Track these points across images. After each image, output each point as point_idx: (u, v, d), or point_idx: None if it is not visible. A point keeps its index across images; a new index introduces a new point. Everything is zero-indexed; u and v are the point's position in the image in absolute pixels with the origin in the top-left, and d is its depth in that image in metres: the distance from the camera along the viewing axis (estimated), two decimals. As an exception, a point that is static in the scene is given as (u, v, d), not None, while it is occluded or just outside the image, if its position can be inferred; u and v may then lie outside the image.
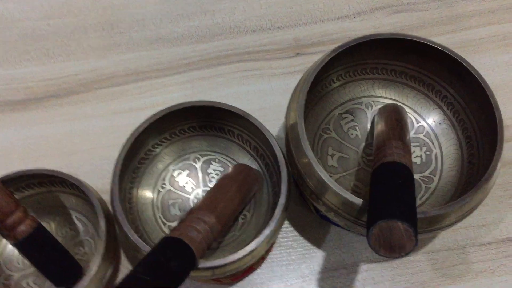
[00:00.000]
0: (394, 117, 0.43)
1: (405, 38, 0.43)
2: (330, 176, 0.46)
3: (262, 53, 0.58)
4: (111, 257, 0.41)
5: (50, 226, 0.46)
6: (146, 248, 0.38)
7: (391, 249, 0.32)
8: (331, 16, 0.59)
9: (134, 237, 0.38)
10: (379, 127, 0.43)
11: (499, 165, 0.39)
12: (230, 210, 0.40)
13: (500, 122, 0.40)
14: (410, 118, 0.49)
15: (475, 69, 0.42)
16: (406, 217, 0.31)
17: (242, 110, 0.43)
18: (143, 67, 0.57)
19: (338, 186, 0.38)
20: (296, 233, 0.49)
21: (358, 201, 0.38)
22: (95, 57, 0.57)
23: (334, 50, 0.43)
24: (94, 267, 0.39)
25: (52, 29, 0.59)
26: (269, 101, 0.55)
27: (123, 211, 0.39)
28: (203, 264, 0.37)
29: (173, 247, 0.34)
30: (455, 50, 0.56)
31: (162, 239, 0.35)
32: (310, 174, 0.40)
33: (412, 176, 0.36)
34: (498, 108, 0.40)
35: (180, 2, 0.60)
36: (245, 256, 0.38)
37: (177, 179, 0.47)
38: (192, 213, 0.38)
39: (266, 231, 0.39)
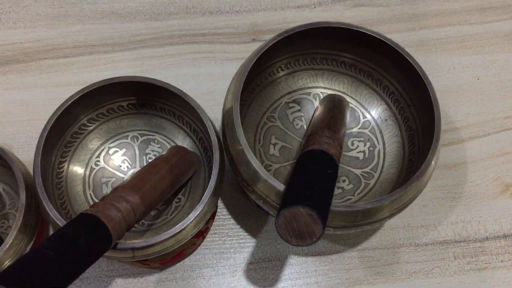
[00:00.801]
0: (331, 107, 0.42)
1: (353, 28, 0.42)
2: (271, 165, 0.46)
3: (217, 36, 0.56)
4: (31, 231, 0.40)
5: (-25, 196, 0.45)
6: (62, 223, 0.36)
7: (301, 237, 0.31)
8: (291, 4, 0.58)
9: (52, 211, 0.37)
10: (316, 115, 0.42)
11: (432, 163, 0.38)
12: (158, 191, 0.39)
13: (438, 121, 0.39)
14: (357, 112, 0.48)
15: (420, 67, 0.41)
16: (309, 202, 0.30)
17: (179, 90, 0.41)
18: (92, 41, 0.55)
19: (267, 173, 0.37)
20: (233, 221, 0.48)
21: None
22: (43, 26, 0.55)
23: (278, 35, 0.41)
24: (9, 240, 0.37)
25: (0, -6, 0.57)
26: (219, 85, 0.54)
27: (44, 186, 0.38)
28: (121, 244, 0.36)
29: (87, 224, 0.33)
30: (413, 49, 0.56)
31: (78, 215, 0.33)
32: (242, 161, 0.38)
33: (335, 165, 0.35)
34: (438, 107, 0.40)
35: (137, -23, 0.58)
36: (167, 239, 0.37)
37: (112, 157, 0.46)
38: (115, 191, 0.36)
39: (192, 216, 0.37)
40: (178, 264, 0.46)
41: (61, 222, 0.36)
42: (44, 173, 0.39)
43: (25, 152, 0.49)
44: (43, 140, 0.39)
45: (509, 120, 0.53)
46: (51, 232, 0.46)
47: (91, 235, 0.32)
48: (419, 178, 0.37)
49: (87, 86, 0.41)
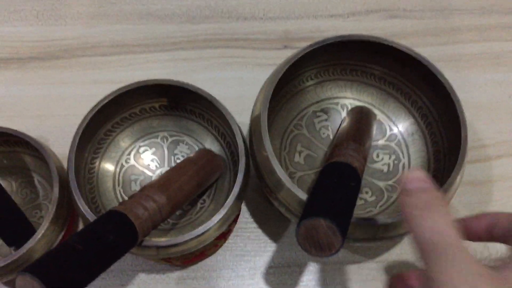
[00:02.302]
0: (358, 119, 0.43)
1: (383, 42, 0.42)
2: (295, 173, 0.46)
3: (249, 42, 0.57)
4: (62, 223, 0.42)
5: (12, 186, 0.47)
6: (92, 218, 0.38)
7: (320, 248, 0.31)
8: (325, 13, 0.59)
9: (83, 207, 0.38)
10: (342, 126, 0.43)
11: (457, 182, 0.39)
12: (184, 192, 0.40)
13: (465, 140, 0.39)
14: (384, 125, 0.48)
15: (449, 84, 0.41)
16: (330, 214, 0.31)
17: (209, 94, 0.42)
18: (129, 40, 0.57)
19: (291, 182, 0.38)
20: (255, 225, 0.49)
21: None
22: (83, 24, 0.57)
23: (310, 46, 0.42)
24: (41, 231, 0.39)
25: (44, -8, 0.59)
26: (249, 90, 0.54)
27: (77, 180, 0.39)
28: (146, 242, 0.37)
29: (115, 220, 0.34)
30: (445, 63, 0.56)
31: (106, 212, 0.35)
32: (267, 168, 0.39)
33: (358, 178, 0.35)
34: (465, 126, 0.40)
35: (175, -20, 0.60)
36: (190, 240, 0.38)
37: (142, 156, 0.47)
38: (143, 190, 0.38)
39: (215, 218, 0.39)
40: (199, 264, 0.47)
41: (90, 216, 0.38)
42: (77, 169, 0.41)
43: (60, 146, 0.51)
44: (78, 136, 0.40)
45: (539, 140, 0.52)
46: (80, 224, 0.48)
47: (118, 232, 0.34)
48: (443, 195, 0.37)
49: (121, 87, 0.42)
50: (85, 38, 0.57)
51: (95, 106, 0.42)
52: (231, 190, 0.44)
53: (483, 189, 0.50)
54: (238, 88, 0.55)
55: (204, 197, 0.46)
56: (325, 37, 0.57)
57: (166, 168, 0.47)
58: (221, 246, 0.48)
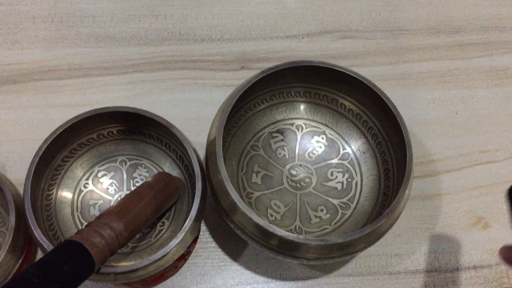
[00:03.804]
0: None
1: (332, 68, 0.44)
2: (252, 193, 0.48)
3: (207, 63, 0.58)
4: (19, 251, 0.42)
5: (-33, 214, 0.46)
6: (49, 247, 0.38)
7: None
8: (280, 34, 0.60)
9: (40, 236, 0.38)
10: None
11: (404, 198, 0.41)
12: (142, 218, 0.41)
13: (410, 161, 0.41)
14: (337, 144, 0.50)
15: (393, 104, 0.44)
16: None
17: (165, 120, 0.43)
18: (87, 64, 0.57)
19: (245, 206, 0.39)
20: (214, 244, 0.50)
21: (262, 222, 0.38)
22: (40, 48, 0.57)
23: (262, 72, 0.44)
24: (-2, 260, 0.39)
25: (0, 16, 0.59)
26: (208, 111, 0.56)
27: (33, 209, 0.39)
28: (105, 269, 0.38)
29: (71, 250, 0.35)
30: (395, 81, 0.59)
31: (62, 242, 0.35)
32: (222, 192, 0.40)
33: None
34: (410, 147, 0.42)
35: (133, 3, 0.61)
36: (148, 265, 0.39)
37: (101, 180, 0.48)
38: (100, 218, 0.38)
39: (173, 243, 0.39)
40: (160, 285, 0.48)
41: (47, 245, 0.38)
42: (34, 197, 0.41)
43: (17, 171, 0.51)
44: (34, 166, 0.41)
45: (483, 155, 0.55)
46: (38, 251, 0.48)
47: (74, 262, 0.34)
48: (390, 214, 0.39)
49: (78, 115, 0.43)
50: (42, 61, 0.57)
51: (51, 135, 0.42)
52: (190, 212, 0.46)
53: (432, 203, 0.53)
54: (197, 109, 0.56)
55: (163, 219, 0.47)
56: (280, 58, 0.59)
57: (125, 191, 0.48)
58: (181, 267, 0.49)
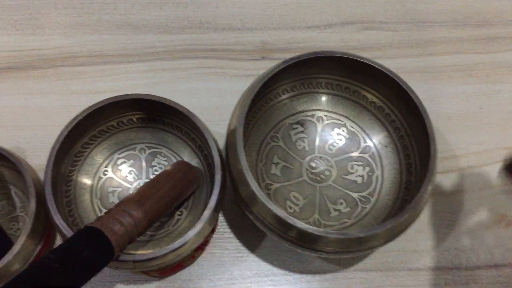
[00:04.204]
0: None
1: (356, 58, 0.44)
2: (271, 184, 0.47)
3: (227, 52, 0.58)
4: (39, 236, 0.42)
5: (-12, 198, 0.47)
6: (69, 233, 0.38)
7: None
8: (302, 25, 0.60)
9: (60, 221, 0.39)
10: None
11: (427, 193, 0.40)
12: (161, 206, 0.41)
13: (434, 155, 0.40)
14: (358, 137, 0.49)
15: (418, 99, 0.43)
16: None
17: (186, 109, 0.43)
18: (107, 51, 0.57)
19: (265, 196, 0.38)
20: (232, 235, 0.50)
21: (282, 214, 0.38)
22: (61, 34, 0.57)
23: (284, 62, 0.43)
24: (18, 245, 0.39)
25: (22, 1, 0.59)
26: (227, 100, 0.55)
27: (54, 194, 0.40)
28: (124, 257, 0.38)
29: (91, 237, 0.35)
30: (419, 75, 0.58)
31: (82, 228, 0.35)
32: (242, 182, 0.40)
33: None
34: (434, 141, 0.41)
35: (154, -10, 0.60)
36: (167, 253, 0.39)
37: (120, 167, 0.48)
38: (120, 205, 0.38)
39: (191, 232, 0.39)
40: (177, 274, 0.48)
41: (67, 231, 0.38)
42: (54, 183, 0.41)
43: (38, 156, 0.51)
44: (55, 151, 0.41)
45: (508, 151, 0.54)
46: (58, 236, 0.48)
47: (94, 249, 0.34)
48: (412, 209, 0.39)
49: (99, 102, 0.43)
50: (63, 48, 0.57)
51: (72, 120, 0.42)
52: (208, 202, 0.45)
53: (454, 199, 0.52)
54: (216, 99, 0.55)
55: (182, 208, 0.47)
56: (302, 48, 0.58)
57: (144, 180, 0.48)
58: (198, 256, 0.48)
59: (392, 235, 0.40)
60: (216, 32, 0.59)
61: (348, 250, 0.40)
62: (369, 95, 0.48)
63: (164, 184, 0.42)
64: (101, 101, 0.43)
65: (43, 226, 0.42)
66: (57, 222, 0.38)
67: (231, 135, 0.42)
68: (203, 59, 0.57)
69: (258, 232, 0.50)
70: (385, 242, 0.40)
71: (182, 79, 0.56)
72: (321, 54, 0.43)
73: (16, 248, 0.39)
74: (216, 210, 0.41)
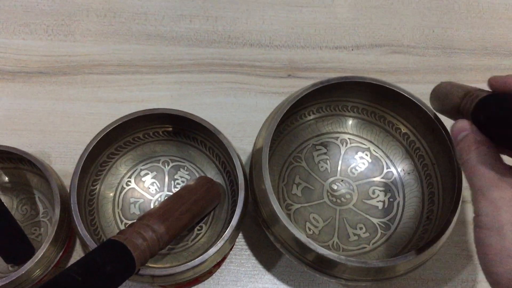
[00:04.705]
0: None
1: (384, 85, 0.43)
2: (292, 205, 0.47)
3: (254, 68, 0.58)
4: (61, 244, 0.42)
5: (12, 202, 0.47)
6: (91, 243, 0.39)
7: None
8: (330, 44, 0.60)
9: (83, 232, 0.39)
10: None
11: (449, 229, 0.39)
12: (183, 222, 0.41)
13: (460, 187, 0.40)
14: (381, 162, 0.49)
15: (444, 126, 0.42)
16: None
17: (212, 126, 0.43)
18: (136, 61, 0.58)
19: (288, 220, 0.38)
20: (249, 252, 0.50)
21: (304, 238, 0.38)
22: (92, 42, 0.58)
23: (313, 85, 0.43)
24: (41, 252, 0.40)
25: (55, 7, 0.60)
26: (251, 117, 0.55)
27: (78, 204, 0.40)
28: (144, 271, 0.38)
29: (114, 251, 0.35)
30: (445, 101, 0.57)
31: (106, 241, 0.36)
32: (264, 202, 0.40)
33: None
34: (461, 173, 0.41)
35: (185, 2, 0.61)
36: (186, 270, 0.39)
37: (143, 179, 0.48)
38: (143, 219, 0.39)
39: (212, 250, 0.39)
40: (192, 288, 0.48)
41: (89, 241, 0.39)
42: (79, 192, 0.41)
43: (62, 162, 0.52)
44: (83, 161, 0.41)
45: None
46: (77, 244, 0.48)
47: (117, 263, 0.35)
48: (436, 242, 0.38)
49: (128, 114, 0.43)
50: (93, 55, 0.57)
51: (101, 131, 0.42)
52: (229, 219, 0.45)
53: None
54: (241, 114, 0.56)
55: (201, 223, 0.47)
56: (328, 68, 0.59)
57: (165, 192, 0.48)
58: (215, 272, 0.49)
59: (413, 267, 0.40)
60: (244, 47, 0.59)
61: (367, 278, 0.39)
62: (395, 121, 0.48)
63: (187, 199, 0.42)
64: (131, 114, 0.43)
65: (65, 234, 0.43)
66: (81, 232, 0.39)
67: (256, 154, 0.42)
68: (230, 74, 0.58)
69: (275, 251, 0.50)
70: (405, 273, 0.40)
71: (208, 93, 0.57)
72: (351, 79, 0.43)
73: (38, 255, 0.40)
74: (237, 229, 0.41)
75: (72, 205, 0.40)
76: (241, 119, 0.56)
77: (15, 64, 0.56)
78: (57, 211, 0.41)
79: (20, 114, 0.54)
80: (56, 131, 0.54)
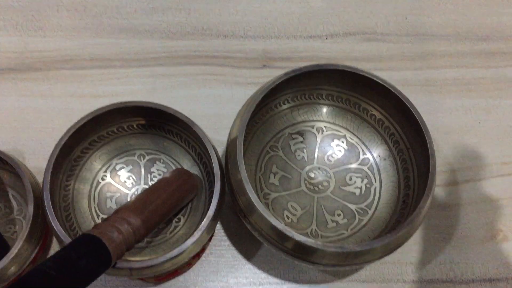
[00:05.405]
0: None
1: (357, 72, 0.44)
2: (269, 194, 0.47)
3: (229, 60, 0.58)
4: (36, 240, 0.42)
5: (-15, 200, 0.47)
6: (66, 239, 0.38)
7: None
8: (304, 34, 0.60)
9: (57, 227, 0.39)
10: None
11: (424, 211, 0.40)
12: (159, 214, 0.41)
13: (433, 172, 0.41)
14: (357, 149, 0.49)
15: (418, 112, 0.43)
16: None
17: (187, 117, 0.43)
18: (109, 55, 0.57)
19: (265, 209, 0.39)
20: (229, 242, 0.50)
21: (281, 226, 0.38)
22: (63, 36, 0.57)
23: (286, 73, 0.43)
24: (15, 249, 0.39)
25: (24, 2, 0.59)
26: (227, 108, 0.55)
27: (52, 200, 0.39)
28: (121, 264, 0.38)
29: (89, 245, 0.35)
30: (419, 87, 0.58)
31: (81, 235, 0.35)
32: (241, 192, 0.40)
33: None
34: (434, 157, 0.41)
35: (157, -5, 0.60)
36: (164, 261, 0.39)
37: (119, 173, 0.48)
38: (118, 213, 0.38)
39: (189, 241, 0.39)
40: (172, 280, 0.48)
41: (64, 237, 0.38)
42: (53, 188, 0.41)
43: (36, 159, 0.51)
44: (54, 157, 0.41)
45: (505, 166, 0.54)
46: (53, 240, 0.48)
47: (92, 256, 0.34)
48: (410, 224, 0.39)
49: (99, 108, 0.43)
50: (64, 50, 0.57)
51: (73, 126, 0.42)
52: (206, 210, 0.45)
53: (451, 213, 0.52)
54: (216, 106, 0.55)
55: (179, 215, 0.47)
56: (303, 58, 0.59)
57: (142, 185, 0.48)
58: (194, 263, 0.49)
59: (389, 250, 0.40)
60: (218, 39, 0.59)
61: (345, 263, 0.40)
62: (369, 108, 0.48)
63: (163, 192, 0.42)
64: (103, 107, 0.43)
65: (40, 231, 0.42)
66: (55, 228, 0.38)
67: (231, 144, 0.42)
68: (204, 66, 0.57)
69: (254, 240, 0.50)
70: (382, 256, 0.40)
71: (183, 85, 0.56)
72: (324, 67, 0.44)
73: (13, 252, 0.39)
74: (214, 219, 0.41)
75: (45, 201, 0.39)
76: (216, 110, 0.55)
77: (-16, 61, 0.55)
78: (30, 208, 0.41)
79: (-9, 111, 0.53)
80: (28, 127, 0.53)
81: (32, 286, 0.30)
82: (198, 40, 0.58)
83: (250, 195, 0.39)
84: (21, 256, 0.40)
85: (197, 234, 0.40)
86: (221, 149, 0.52)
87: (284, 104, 0.49)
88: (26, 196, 0.45)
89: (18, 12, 0.58)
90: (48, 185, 0.40)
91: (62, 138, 0.41)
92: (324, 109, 0.50)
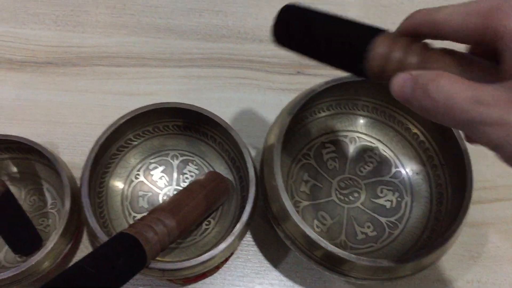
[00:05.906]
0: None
1: (398, 86, 0.43)
2: (300, 202, 0.47)
3: (264, 64, 0.58)
4: (70, 235, 0.42)
5: (20, 192, 0.47)
6: (102, 237, 0.39)
7: None
8: (340, 42, 0.59)
9: (93, 224, 0.39)
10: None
11: (458, 230, 0.40)
12: (193, 217, 0.41)
13: (469, 190, 0.40)
14: (390, 162, 0.49)
15: (457, 131, 0.43)
16: None
17: (224, 121, 0.43)
18: (145, 53, 0.57)
19: (299, 217, 0.39)
20: (256, 248, 0.50)
21: (314, 235, 0.38)
22: (101, 33, 0.58)
23: (326, 83, 0.43)
24: (50, 244, 0.40)
25: (65, -3, 0.60)
26: (260, 112, 0.55)
27: (89, 197, 0.40)
28: (154, 264, 0.38)
29: (126, 244, 0.35)
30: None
31: (118, 234, 0.36)
32: (275, 199, 0.40)
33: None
34: (471, 176, 0.41)
35: (195, -3, 0.61)
36: (196, 265, 0.39)
37: (152, 172, 0.48)
38: (154, 213, 0.39)
39: (222, 246, 0.39)
40: (199, 283, 0.48)
41: (101, 235, 0.39)
42: (89, 185, 0.41)
43: (70, 153, 0.52)
44: (94, 153, 0.41)
45: (538, 187, 0.53)
46: (84, 235, 0.48)
47: (129, 256, 0.35)
48: (445, 244, 0.39)
49: (138, 108, 0.43)
50: (102, 47, 0.57)
51: (112, 124, 0.42)
52: (237, 215, 0.46)
53: (480, 231, 0.51)
54: (249, 110, 0.56)
55: (210, 219, 0.47)
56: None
57: (174, 186, 0.48)
58: (221, 267, 0.49)
59: (421, 267, 0.40)
60: (254, 43, 0.59)
61: (375, 277, 0.40)
62: (405, 121, 0.48)
63: (198, 194, 0.42)
64: (142, 107, 0.43)
65: (75, 225, 0.43)
66: (92, 225, 0.39)
67: (267, 151, 0.42)
68: (239, 69, 0.57)
69: (282, 247, 0.50)
70: (413, 274, 0.40)
71: (217, 88, 0.57)
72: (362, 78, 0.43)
73: (48, 246, 0.40)
74: (247, 225, 0.41)
75: (83, 198, 0.40)
76: (249, 114, 0.55)
77: (23, 54, 0.56)
78: (67, 202, 0.41)
79: (28, 104, 0.54)
80: (64, 122, 0.53)
81: (71, 283, 0.31)
82: (234, 44, 0.59)
83: (285, 203, 0.39)
84: (56, 251, 0.41)
85: (229, 239, 0.40)
86: (251, 153, 0.52)
87: (320, 112, 0.49)
88: (61, 190, 0.46)
89: (58, 7, 0.59)
90: (87, 181, 0.40)
91: (102, 134, 0.42)
92: (359, 120, 0.50)
